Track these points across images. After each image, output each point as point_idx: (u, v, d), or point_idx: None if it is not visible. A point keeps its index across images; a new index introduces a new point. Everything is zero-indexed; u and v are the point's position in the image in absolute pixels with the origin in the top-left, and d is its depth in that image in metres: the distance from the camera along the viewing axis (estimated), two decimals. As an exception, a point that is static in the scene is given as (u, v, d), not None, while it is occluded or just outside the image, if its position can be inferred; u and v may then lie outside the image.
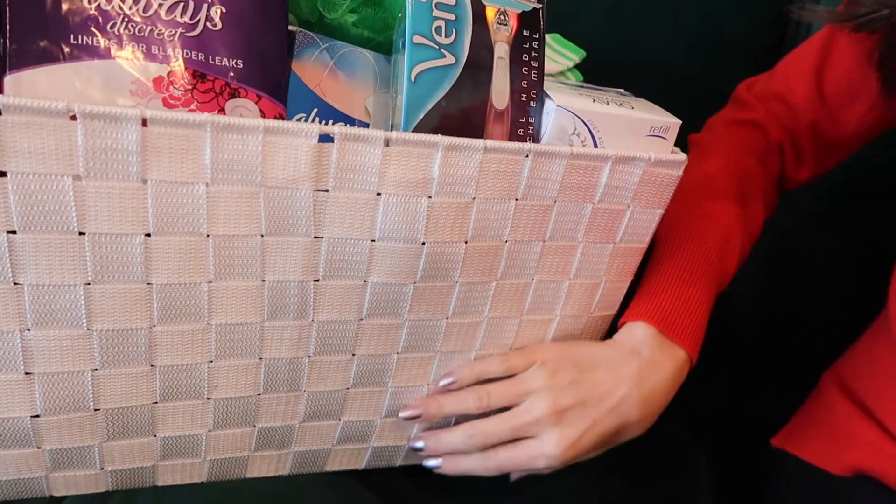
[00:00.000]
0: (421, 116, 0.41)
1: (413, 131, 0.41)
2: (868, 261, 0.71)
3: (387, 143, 0.39)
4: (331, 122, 0.44)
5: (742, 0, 0.81)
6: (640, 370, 0.48)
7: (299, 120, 0.43)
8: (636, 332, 0.50)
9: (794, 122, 0.62)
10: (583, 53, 0.54)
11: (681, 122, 0.47)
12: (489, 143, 0.41)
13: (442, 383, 0.49)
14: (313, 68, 0.44)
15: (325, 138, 0.38)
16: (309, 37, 0.44)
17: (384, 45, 0.47)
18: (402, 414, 0.49)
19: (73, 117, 0.34)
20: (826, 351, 0.64)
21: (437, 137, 0.40)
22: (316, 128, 0.37)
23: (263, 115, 0.41)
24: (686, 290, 0.51)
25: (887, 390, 0.52)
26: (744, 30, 0.82)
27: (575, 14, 0.77)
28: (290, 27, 0.44)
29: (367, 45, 0.47)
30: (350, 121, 0.45)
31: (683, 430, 0.68)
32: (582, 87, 0.50)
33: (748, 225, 0.57)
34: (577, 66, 0.55)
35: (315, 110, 0.44)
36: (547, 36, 0.56)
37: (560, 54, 0.54)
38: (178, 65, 0.38)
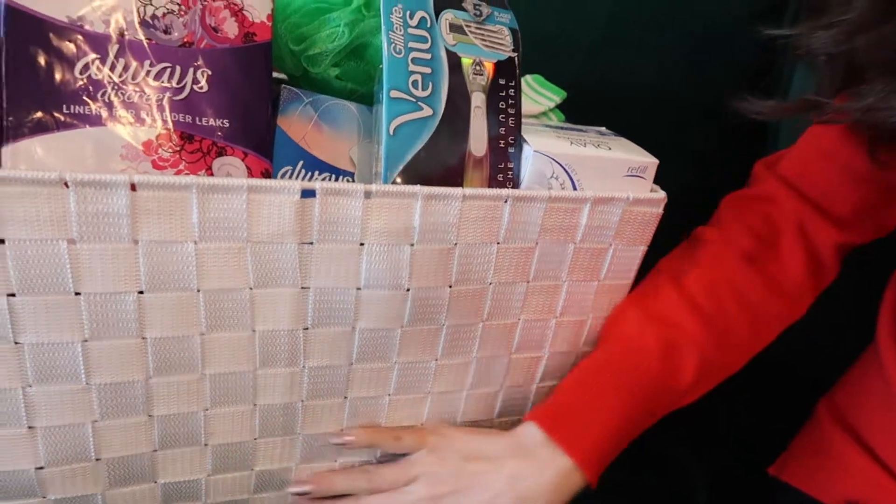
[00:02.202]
0: (401, 167, 0.42)
1: (393, 182, 0.42)
2: (863, 285, 0.71)
3: (368, 195, 0.41)
4: (316, 173, 0.46)
5: (731, 22, 0.82)
6: (518, 469, 0.47)
7: (285, 173, 0.45)
8: (527, 430, 0.48)
9: (813, 186, 0.55)
10: (563, 94, 0.56)
11: (657, 161, 0.48)
12: (468, 190, 0.43)
13: (333, 441, 0.49)
14: (298, 122, 0.45)
15: (308, 193, 0.40)
16: (293, 92, 0.46)
17: (367, 95, 0.49)
18: (292, 489, 0.49)
19: (66, 185, 0.35)
20: (824, 377, 0.65)
21: (417, 188, 0.41)
22: (297, 184, 0.39)
23: (250, 172, 0.42)
24: (592, 397, 0.48)
25: (878, 418, 0.52)
26: (734, 51, 0.83)
27: (565, 37, 0.79)
28: (275, 76, 0.46)
29: (350, 97, 0.48)
30: (335, 171, 0.46)
31: (684, 455, 0.69)
32: (562, 128, 0.51)
33: (719, 331, 0.51)
34: (559, 106, 0.56)
35: (301, 163, 0.45)
36: (528, 77, 0.57)
37: (541, 95, 0.55)
38: (166, 128, 0.40)
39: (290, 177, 0.45)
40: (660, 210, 0.49)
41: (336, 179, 0.46)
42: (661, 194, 0.48)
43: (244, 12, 0.43)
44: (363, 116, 0.47)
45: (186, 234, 0.38)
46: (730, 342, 0.52)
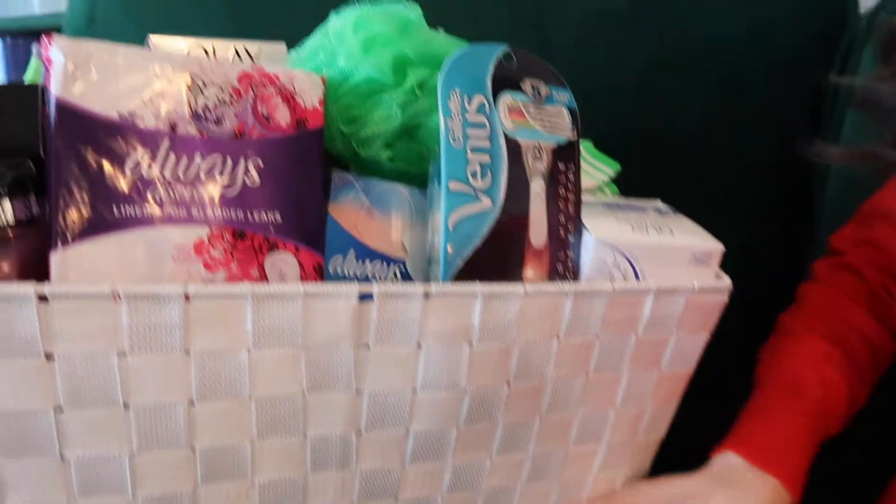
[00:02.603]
0: (460, 265, 0.40)
1: (452, 280, 0.40)
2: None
3: (427, 296, 0.39)
4: (367, 261, 0.44)
5: (772, 70, 0.80)
6: (727, 500, 0.47)
7: (336, 262, 0.43)
8: (725, 461, 0.49)
9: (887, 260, 0.57)
10: (617, 167, 0.54)
11: (723, 248, 0.46)
12: (529, 287, 0.41)
13: None
14: (350, 209, 0.44)
15: (366, 295, 0.38)
16: (345, 178, 0.44)
17: (419, 176, 0.47)
18: None
19: (118, 298, 0.34)
20: None
21: (477, 287, 0.39)
22: (355, 289, 0.37)
23: (302, 266, 0.41)
24: (777, 423, 0.50)
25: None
26: (775, 101, 0.80)
27: (601, 87, 0.77)
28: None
29: (401, 179, 0.47)
30: (387, 259, 0.44)
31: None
32: (619, 207, 0.49)
33: (856, 368, 0.55)
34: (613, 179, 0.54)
35: (351, 251, 0.43)
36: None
37: (595, 168, 0.53)
38: (218, 226, 0.38)
39: (341, 265, 0.43)
40: (725, 298, 0.47)
41: (388, 268, 0.45)
42: (727, 282, 0.46)
43: (296, 98, 0.42)
44: (415, 199, 0.46)
45: (240, 343, 0.36)
46: (861, 376, 0.55)
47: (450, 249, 0.40)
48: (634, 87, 0.77)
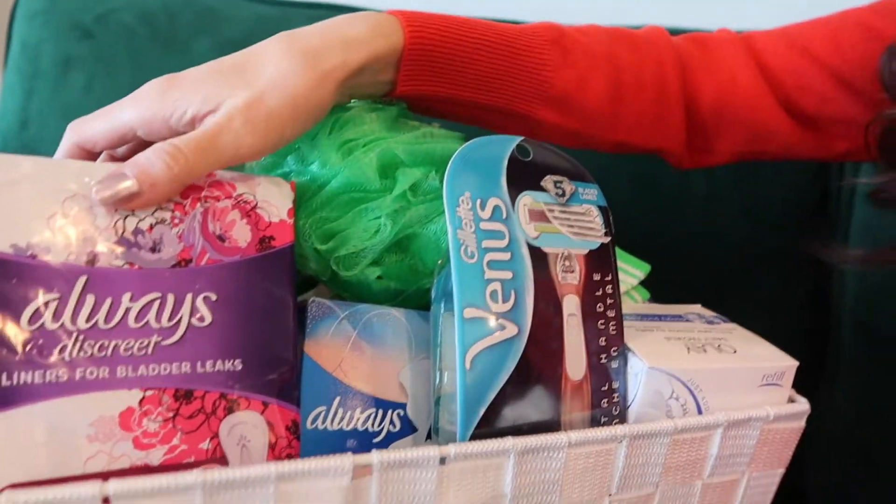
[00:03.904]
0: (482, 412, 0.31)
1: (474, 434, 0.30)
2: None
3: (443, 461, 0.29)
4: (357, 410, 0.34)
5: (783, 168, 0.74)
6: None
7: (317, 416, 0.33)
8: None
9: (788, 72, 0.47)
10: (647, 268, 0.46)
11: (797, 363, 0.37)
12: (573, 435, 0.31)
13: None
14: (332, 345, 0.34)
15: (361, 467, 0.28)
16: (324, 306, 0.34)
17: (415, 296, 0.38)
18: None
19: (1, 513, 0.23)
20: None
21: (509, 442, 0.30)
22: (349, 461, 0.27)
23: (271, 428, 0.30)
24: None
25: None
26: (785, 190, 0.74)
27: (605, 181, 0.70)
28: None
29: (394, 300, 0.37)
30: (382, 405, 0.35)
31: None
32: (660, 317, 0.41)
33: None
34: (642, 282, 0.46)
35: (337, 399, 0.34)
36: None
37: (622, 271, 0.45)
38: (153, 387, 0.28)
39: (324, 420, 0.33)
40: (802, 423, 0.38)
41: (384, 416, 0.35)
42: (804, 405, 0.37)
43: (258, 211, 0.33)
44: (414, 326, 0.36)
45: (186, 557, 0.26)
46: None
47: (469, 394, 0.31)
48: (642, 175, 0.70)
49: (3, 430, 0.25)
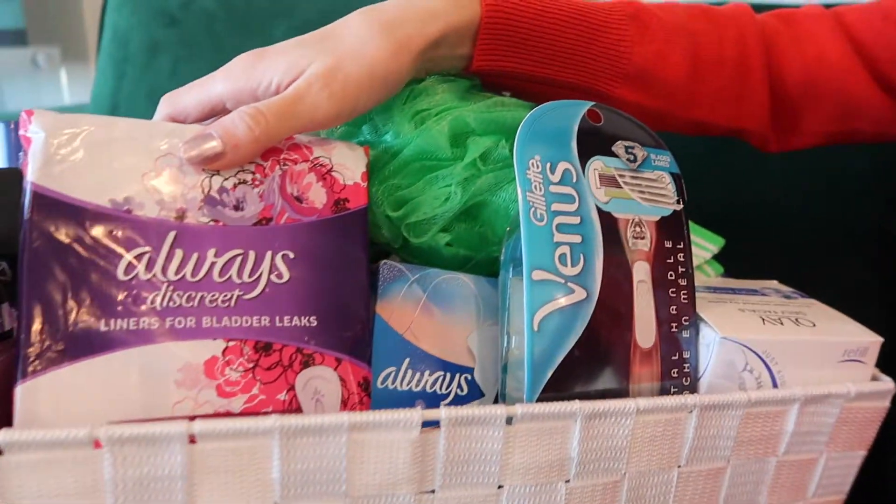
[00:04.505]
0: (550, 374, 0.31)
1: (541, 397, 0.31)
2: None
3: (509, 420, 0.29)
4: (425, 371, 0.35)
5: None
6: None
7: (388, 376, 0.34)
8: None
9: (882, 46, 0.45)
10: (721, 241, 0.44)
11: (881, 340, 0.35)
12: (642, 402, 0.31)
13: None
14: (402, 307, 0.35)
15: (431, 422, 0.28)
16: (395, 269, 0.35)
17: (484, 263, 0.38)
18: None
19: (98, 444, 0.25)
20: None
21: (576, 405, 0.30)
22: (417, 415, 0.28)
23: (344, 384, 0.31)
24: None
25: None
26: (871, 162, 0.71)
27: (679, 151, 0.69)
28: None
29: (463, 267, 0.38)
30: (451, 368, 0.35)
31: None
32: (734, 290, 0.40)
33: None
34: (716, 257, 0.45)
35: (406, 361, 0.34)
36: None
37: (694, 244, 0.44)
38: (235, 338, 0.30)
39: (394, 379, 0.34)
40: (886, 403, 0.36)
41: (452, 379, 0.35)
42: (889, 384, 0.36)
43: (333, 174, 0.34)
44: (482, 292, 0.37)
45: (263, 496, 0.27)
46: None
47: (536, 356, 0.31)
48: (717, 146, 0.68)
49: (103, 372, 0.27)
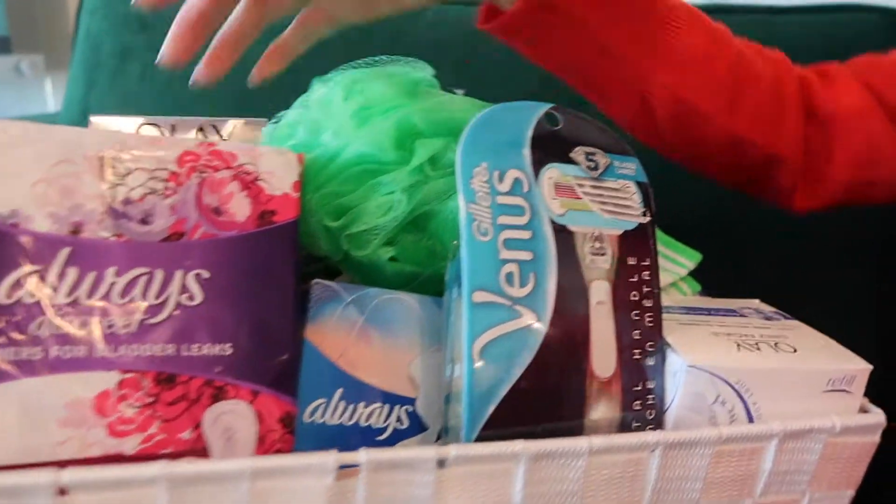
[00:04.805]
0: (491, 410, 0.27)
1: (481, 436, 0.27)
2: None
3: (442, 463, 0.26)
4: (360, 403, 0.31)
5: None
6: None
7: (317, 409, 0.30)
8: None
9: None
10: (698, 256, 0.41)
11: (870, 367, 0.32)
12: (596, 440, 0.27)
13: None
14: (336, 331, 0.31)
15: (349, 465, 0.25)
16: (329, 289, 0.32)
17: (432, 281, 0.35)
18: None
19: (-48, 497, 0.21)
20: None
21: (519, 445, 0.26)
22: (333, 458, 0.24)
23: (261, 419, 0.28)
24: None
25: None
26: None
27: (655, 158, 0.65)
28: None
29: (409, 285, 0.34)
30: (389, 398, 0.32)
31: None
32: (709, 311, 0.36)
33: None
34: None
35: (339, 391, 0.31)
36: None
37: (667, 259, 0.41)
38: (133, 369, 0.26)
39: (324, 413, 0.30)
40: (875, 439, 0.32)
41: (391, 411, 0.32)
42: (879, 416, 0.32)
43: (260, 183, 0.30)
44: (428, 313, 0.33)
45: (152, 555, 0.23)
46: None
47: (476, 389, 0.27)
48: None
49: (-30, 409, 0.24)
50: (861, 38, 0.65)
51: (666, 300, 0.38)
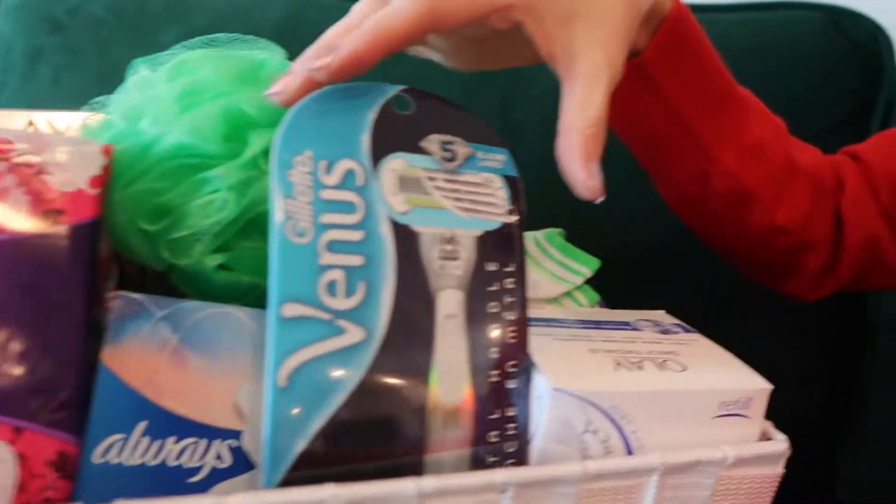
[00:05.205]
0: (301, 447, 0.23)
1: (286, 478, 0.22)
2: None
3: (231, 516, 0.21)
4: (169, 438, 0.26)
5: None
6: None
7: (111, 447, 0.25)
8: None
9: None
10: (597, 263, 0.37)
11: (771, 386, 0.28)
12: (428, 482, 0.23)
13: None
14: (141, 354, 0.26)
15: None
16: (134, 303, 0.27)
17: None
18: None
19: None
20: None
21: (327, 491, 0.21)
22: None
23: (24, 463, 0.23)
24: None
25: None
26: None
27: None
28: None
29: (246, 297, 0.30)
30: (207, 432, 0.27)
31: None
32: (598, 324, 0.32)
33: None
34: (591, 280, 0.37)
35: (143, 424, 0.26)
36: (538, 234, 0.38)
37: (564, 266, 0.36)
38: None
39: (121, 452, 0.25)
40: (779, 469, 0.28)
41: (209, 447, 0.27)
42: (781, 444, 0.28)
43: (44, 177, 0.25)
44: (264, 330, 0.28)
45: None
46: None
47: (282, 422, 0.22)
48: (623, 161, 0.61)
49: None
50: (803, 35, 0.63)
51: (557, 312, 0.34)
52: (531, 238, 0.37)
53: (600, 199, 0.27)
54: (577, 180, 0.27)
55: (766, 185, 0.42)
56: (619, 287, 0.56)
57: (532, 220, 0.34)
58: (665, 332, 0.32)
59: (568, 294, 0.36)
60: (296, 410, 0.23)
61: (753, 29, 0.63)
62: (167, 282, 0.30)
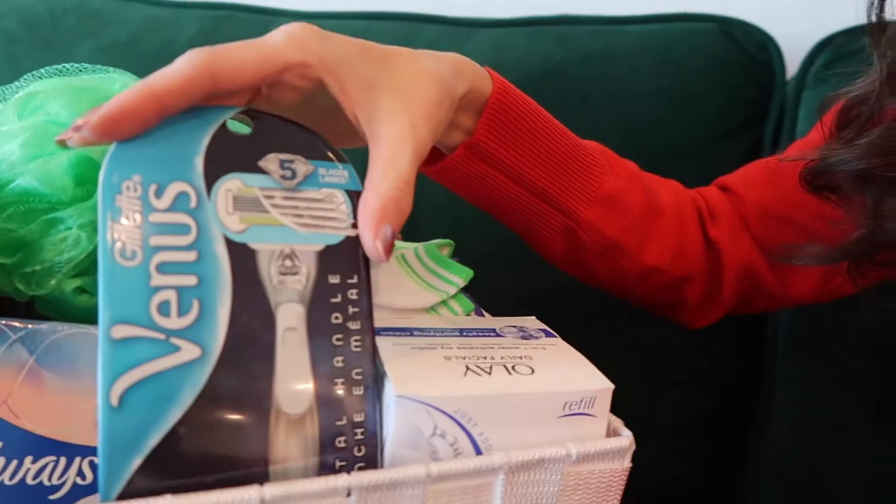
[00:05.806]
0: (138, 463, 0.23)
1: (123, 492, 0.23)
2: None
3: (56, 533, 0.22)
4: (27, 459, 0.27)
5: (697, 145, 0.65)
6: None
7: (-34, 470, 0.26)
8: None
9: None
10: (469, 273, 0.38)
11: (612, 386, 0.29)
12: (271, 491, 0.23)
13: None
14: (-4, 377, 0.27)
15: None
16: (-14, 327, 0.27)
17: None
18: None
19: None
20: None
21: (166, 502, 0.22)
22: None
23: None
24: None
25: None
26: (707, 175, 0.66)
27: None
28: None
29: (107, 318, 0.30)
30: (68, 450, 0.27)
31: None
32: (461, 332, 0.33)
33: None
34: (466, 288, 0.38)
35: (-2, 447, 0.26)
36: (421, 247, 0.39)
37: (437, 276, 0.37)
38: None
39: (-22, 474, 0.26)
40: (626, 463, 0.29)
41: (69, 464, 0.27)
42: (625, 440, 0.29)
43: None
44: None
45: None
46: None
47: (116, 440, 0.23)
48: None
49: None
50: (699, 46, 0.65)
51: (431, 320, 0.35)
52: (412, 250, 0.38)
53: (383, 263, 0.27)
54: (364, 239, 0.27)
55: (628, 232, 0.43)
56: (533, 292, 0.57)
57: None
58: (526, 337, 0.33)
59: (444, 303, 0.37)
60: (130, 428, 0.23)
61: (653, 40, 0.65)
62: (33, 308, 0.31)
